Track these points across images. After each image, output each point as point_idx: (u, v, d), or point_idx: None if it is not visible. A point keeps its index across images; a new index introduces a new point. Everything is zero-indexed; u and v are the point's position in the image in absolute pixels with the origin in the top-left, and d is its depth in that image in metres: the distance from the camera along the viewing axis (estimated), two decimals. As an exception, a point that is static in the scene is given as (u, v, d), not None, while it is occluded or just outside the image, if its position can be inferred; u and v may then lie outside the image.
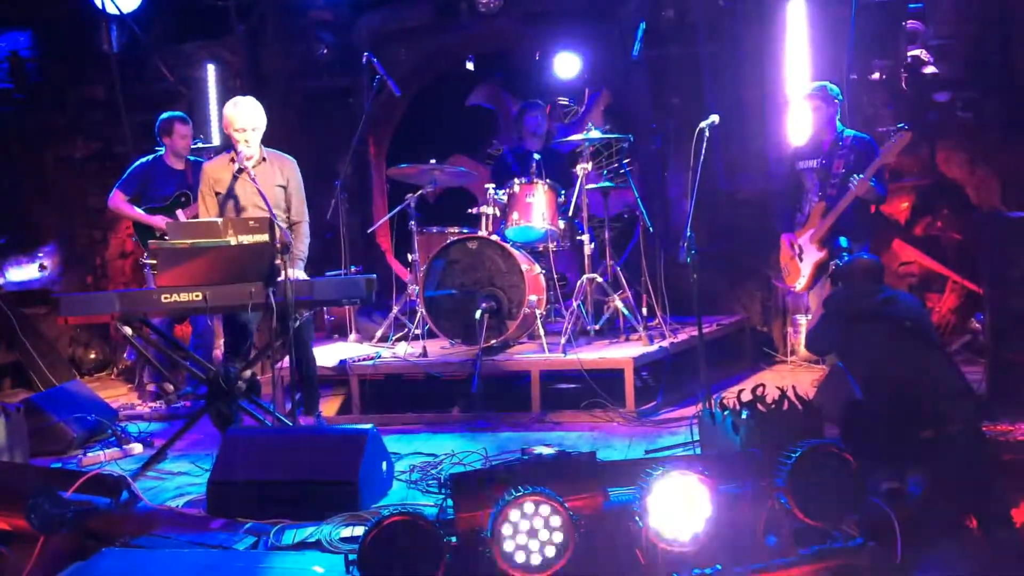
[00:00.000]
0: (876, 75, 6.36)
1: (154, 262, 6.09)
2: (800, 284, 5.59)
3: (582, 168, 6.16)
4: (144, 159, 6.34)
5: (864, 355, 4.07)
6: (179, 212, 6.19)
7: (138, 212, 6.20)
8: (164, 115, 6.34)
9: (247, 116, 5.00)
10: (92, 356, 7.72)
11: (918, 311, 4.34)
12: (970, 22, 6.37)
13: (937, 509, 3.71)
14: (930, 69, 6.38)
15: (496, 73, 8.61)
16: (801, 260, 5.55)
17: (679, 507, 3.23)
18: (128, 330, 4.62)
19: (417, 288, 6.04)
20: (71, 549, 3.70)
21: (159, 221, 6.13)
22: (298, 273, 4.99)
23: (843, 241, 5.26)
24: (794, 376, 6.08)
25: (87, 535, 3.76)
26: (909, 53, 6.37)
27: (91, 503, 3.94)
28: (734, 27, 6.92)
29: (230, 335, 5.18)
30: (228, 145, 5.24)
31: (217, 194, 5.08)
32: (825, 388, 4.86)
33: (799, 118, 6.15)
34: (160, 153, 6.32)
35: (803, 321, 6.60)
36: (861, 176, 5.14)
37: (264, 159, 5.10)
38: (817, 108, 5.51)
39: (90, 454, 4.91)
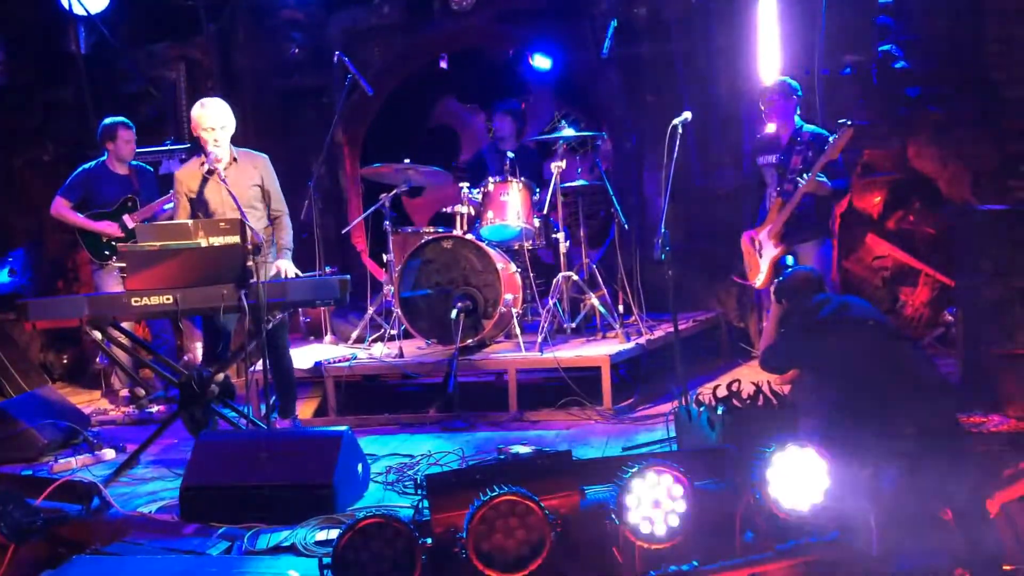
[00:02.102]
0: (847, 70, 6.39)
1: (104, 265, 6.12)
2: (759, 280, 5.61)
3: (556, 166, 6.15)
4: (86, 165, 6.28)
5: (840, 362, 4.07)
6: (126, 217, 6.13)
7: (81, 218, 6.14)
8: (107, 120, 6.28)
9: (214, 115, 4.96)
10: (64, 361, 7.63)
11: (874, 310, 4.36)
12: (940, 17, 6.41)
13: (912, 502, 3.74)
14: (900, 64, 6.43)
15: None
16: (760, 256, 5.57)
17: (656, 504, 3.23)
18: (98, 334, 4.56)
19: (392, 288, 6.01)
20: (42, 557, 3.66)
21: (104, 226, 6.10)
22: (288, 264, 5.01)
23: (788, 259, 5.30)
24: (770, 371, 6.10)
25: (58, 543, 3.73)
26: (880, 48, 6.40)
27: (62, 510, 3.90)
28: (706, 24, 6.93)
29: (208, 337, 5.14)
30: (198, 147, 5.20)
31: (190, 199, 5.04)
32: (801, 383, 4.88)
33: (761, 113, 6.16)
34: (103, 159, 6.26)
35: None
36: (807, 176, 5.18)
37: (235, 159, 5.05)
38: (772, 102, 5.53)
39: (61, 460, 4.83)
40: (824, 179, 5.21)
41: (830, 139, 5.19)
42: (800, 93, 5.58)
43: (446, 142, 8.89)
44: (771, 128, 5.66)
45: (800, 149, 5.39)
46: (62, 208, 6.15)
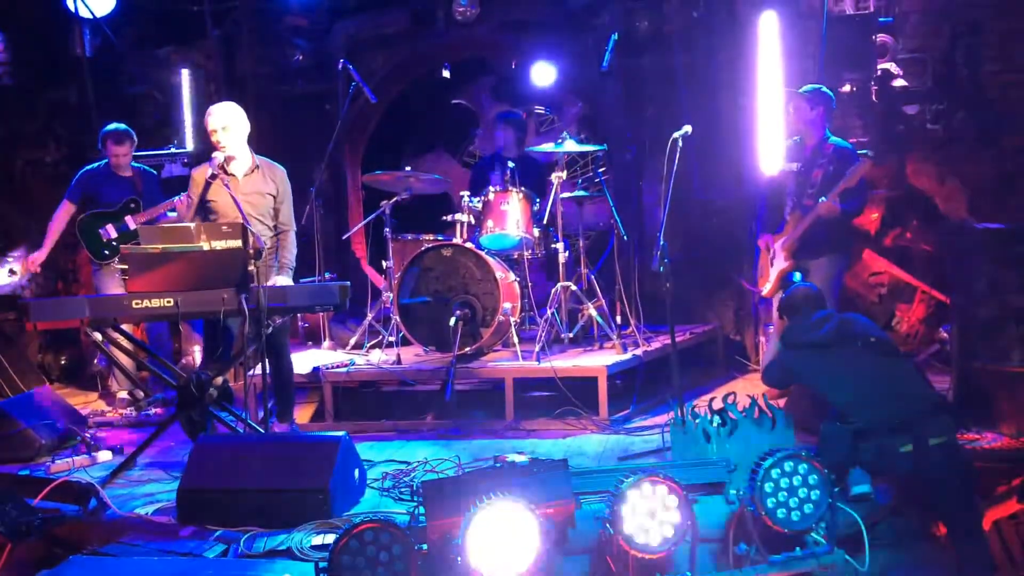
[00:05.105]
0: (847, 88, 6.43)
1: (104, 265, 6.14)
2: (766, 289, 5.63)
3: (557, 177, 6.18)
4: (89, 166, 6.34)
5: (839, 378, 4.10)
6: (128, 218, 6.16)
7: (52, 231, 6.21)
8: (105, 128, 6.33)
9: (215, 117, 5.01)
10: (62, 362, 7.63)
11: (875, 327, 4.39)
12: (939, 36, 6.46)
13: (905, 517, 3.76)
14: (900, 82, 6.47)
15: (482, 78, 8.61)
16: (772, 265, 5.58)
17: (650, 514, 3.26)
18: (98, 336, 4.58)
19: (391, 295, 6.03)
20: (38, 557, 3.67)
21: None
22: (286, 281, 4.99)
23: (796, 275, 5.30)
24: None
25: (55, 543, 3.74)
26: (879, 66, 6.44)
27: (59, 511, 3.92)
28: (708, 38, 6.98)
29: (209, 340, 5.15)
30: (208, 150, 5.24)
31: (200, 199, 5.08)
32: (797, 397, 4.91)
33: (781, 120, 6.17)
34: (107, 160, 6.30)
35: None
36: (824, 199, 5.12)
37: (257, 167, 5.12)
38: (798, 109, 5.45)
39: (58, 461, 4.85)
40: (836, 204, 5.11)
41: (854, 163, 5.11)
42: (833, 104, 5.48)
43: (454, 134, 8.85)
44: (795, 135, 5.58)
45: (822, 163, 5.32)
46: (58, 212, 6.21)
